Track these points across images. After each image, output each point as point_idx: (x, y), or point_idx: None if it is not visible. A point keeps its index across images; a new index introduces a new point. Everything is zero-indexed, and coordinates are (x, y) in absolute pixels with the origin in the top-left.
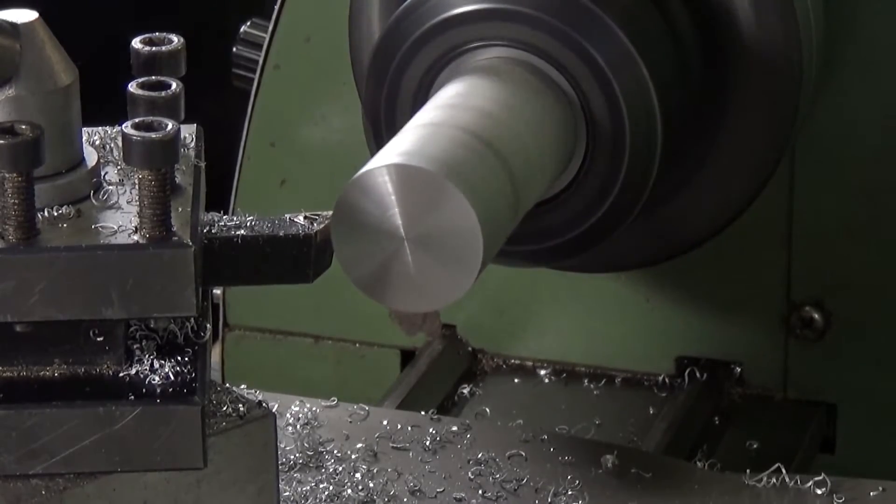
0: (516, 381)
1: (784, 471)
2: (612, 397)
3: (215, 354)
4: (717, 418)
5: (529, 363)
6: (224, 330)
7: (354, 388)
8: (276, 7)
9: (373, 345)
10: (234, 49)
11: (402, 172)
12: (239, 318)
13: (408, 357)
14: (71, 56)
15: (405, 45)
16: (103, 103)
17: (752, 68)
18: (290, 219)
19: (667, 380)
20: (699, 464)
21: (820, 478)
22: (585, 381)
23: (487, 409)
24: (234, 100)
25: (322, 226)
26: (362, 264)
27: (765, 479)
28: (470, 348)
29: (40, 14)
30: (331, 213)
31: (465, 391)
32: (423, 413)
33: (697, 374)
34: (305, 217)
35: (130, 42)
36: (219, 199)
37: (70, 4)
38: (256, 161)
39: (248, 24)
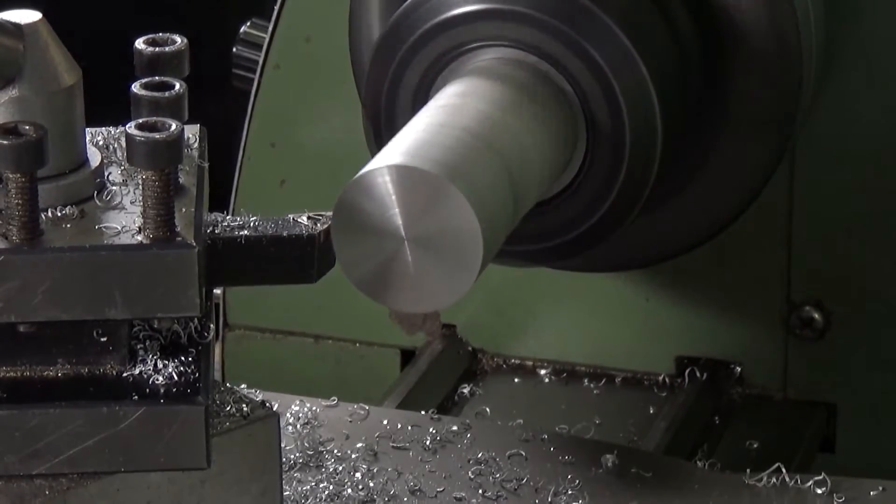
0: (516, 380)
1: (784, 470)
2: (612, 397)
3: (215, 354)
4: (717, 418)
5: (529, 363)
6: (224, 330)
7: (354, 387)
8: (276, 7)
9: (373, 345)
10: (235, 49)
11: (403, 173)
12: (239, 318)
13: (408, 357)
14: (74, 57)
15: (405, 45)
16: (107, 104)
17: (752, 68)
18: (293, 219)
19: (667, 379)
20: (699, 463)
21: (820, 477)
22: (585, 380)
23: (487, 409)
24: (234, 100)
25: (325, 226)
26: (362, 265)
27: (765, 478)
28: (470, 348)
29: (43, 14)
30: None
31: (466, 391)
32: (423, 413)
33: (697, 374)
34: (309, 217)
35: (133, 42)
36: (219, 199)
37: (72, 5)
38: (256, 161)
39: (248, 24)
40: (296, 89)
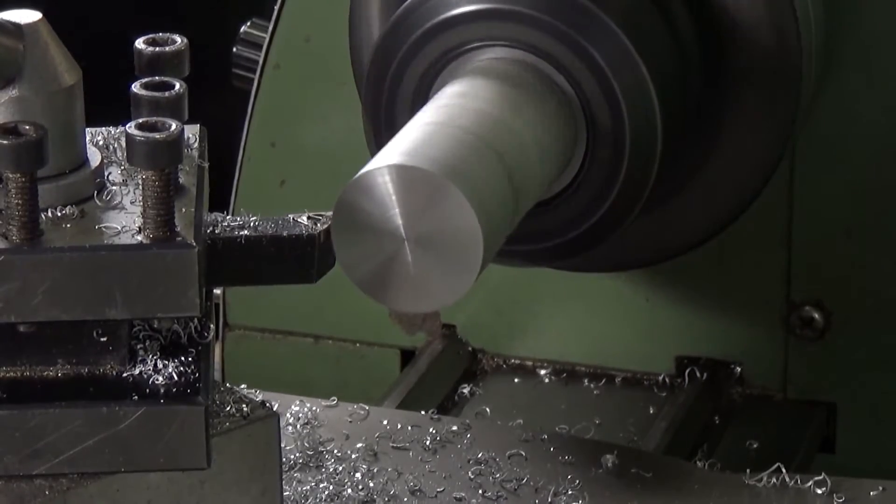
0: (516, 380)
1: (784, 470)
2: (612, 397)
3: (215, 354)
4: (717, 418)
5: (529, 363)
6: (224, 330)
7: (354, 388)
8: (276, 7)
9: (373, 345)
10: (235, 49)
11: (403, 173)
12: (239, 318)
13: (408, 357)
14: (74, 56)
15: (405, 45)
16: (107, 103)
17: (752, 67)
18: (293, 219)
19: (667, 379)
20: (699, 464)
21: (820, 477)
22: (585, 381)
23: (487, 409)
24: (234, 100)
25: (325, 226)
26: (362, 264)
27: (765, 479)
28: (470, 348)
29: (43, 14)
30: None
31: (465, 391)
32: (423, 413)
33: (697, 374)
34: (309, 217)
35: (133, 42)
36: (219, 199)
37: (72, 5)
38: (256, 161)
39: (249, 24)
40: (296, 89)
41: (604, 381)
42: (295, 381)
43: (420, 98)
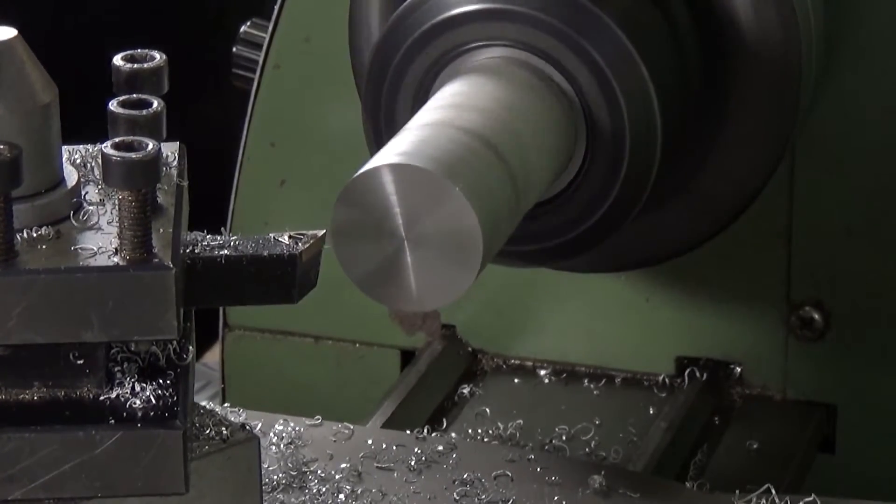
0: (516, 381)
1: (774, 491)
2: (612, 397)
3: (215, 354)
4: (717, 418)
5: (529, 363)
6: (224, 330)
7: (354, 388)
8: (276, 7)
9: (373, 345)
10: (234, 49)
11: (402, 172)
12: (239, 318)
13: (408, 357)
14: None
15: (405, 45)
16: (96, 118)
17: (752, 67)
18: (274, 238)
19: (667, 380)
20: (688, 484)
21: (810, 499)
22: (585, 381)
23: (487, 410)
24: (234, 100)
25: (307, 245)
26: (362, 264)
27: (754, 500)
28: (470, 348)
29: (23, 25)
30: (316, 232)
31: (465, 391)
32: (408, 432)
33: (697, 374)
34: (290, 237)
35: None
36: (219, 199)
37: (64, 9)
38: (256, 161)
39: (248, 24)
40: (296, 89)
41: (604, 381)
42: (295, 381)
43: (420, 98)
